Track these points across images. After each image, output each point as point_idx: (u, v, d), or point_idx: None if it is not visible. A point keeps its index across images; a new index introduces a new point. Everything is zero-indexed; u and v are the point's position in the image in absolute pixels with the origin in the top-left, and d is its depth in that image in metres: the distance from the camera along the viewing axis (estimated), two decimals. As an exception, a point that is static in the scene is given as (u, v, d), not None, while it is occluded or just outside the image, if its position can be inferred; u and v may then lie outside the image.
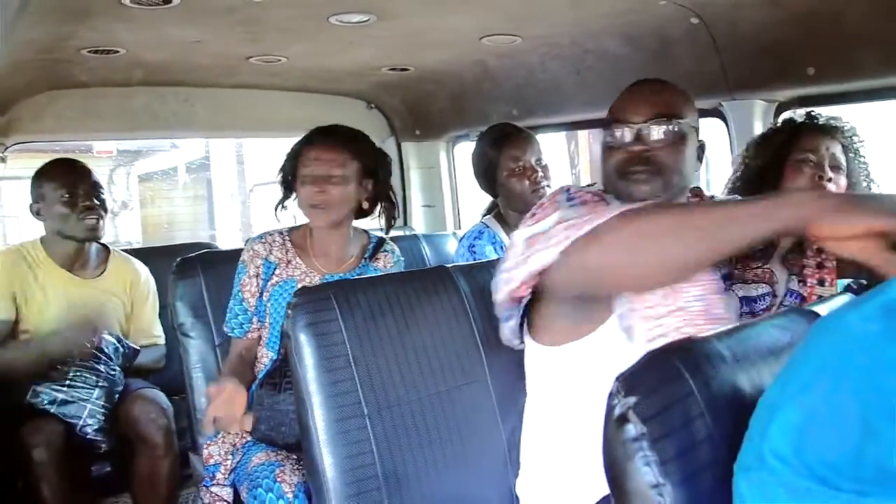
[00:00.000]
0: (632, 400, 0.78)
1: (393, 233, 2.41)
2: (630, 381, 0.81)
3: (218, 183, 11.25)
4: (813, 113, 1.97)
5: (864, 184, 1.91)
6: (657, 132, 1.42)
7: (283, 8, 2.10)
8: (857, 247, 0.97)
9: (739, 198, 1.67)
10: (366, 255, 2.17)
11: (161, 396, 2.48)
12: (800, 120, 1.96)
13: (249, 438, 1.96)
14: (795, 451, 0.66)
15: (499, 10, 2.19)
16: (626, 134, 1.44)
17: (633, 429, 0.77)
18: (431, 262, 2.70)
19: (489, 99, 3.08)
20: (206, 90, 3.28)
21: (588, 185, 1.54)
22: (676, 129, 1.42)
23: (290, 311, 1.52)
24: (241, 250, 2.18)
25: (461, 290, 1.65)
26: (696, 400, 0.80)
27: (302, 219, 2.15)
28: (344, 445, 1.46)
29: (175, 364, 2.49)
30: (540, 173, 2.48)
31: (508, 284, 1.34)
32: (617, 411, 0.78)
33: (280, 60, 2.79)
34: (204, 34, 2.36)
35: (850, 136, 1.90)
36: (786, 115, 2.17)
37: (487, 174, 2.57)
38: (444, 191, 3.66)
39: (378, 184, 2.15)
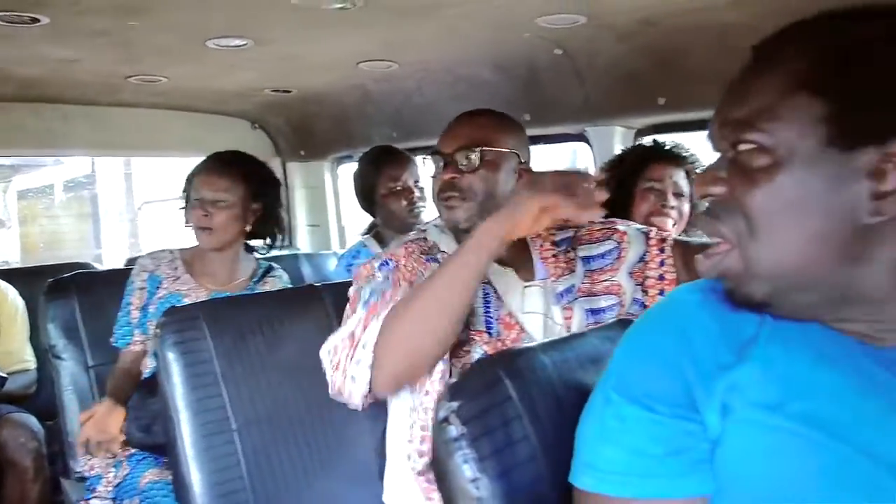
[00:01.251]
0: (455, 404, 0.86)
1: (275, 252, 2.45)
2: (455, 387, 0.89)
3: (105, 200, 10.87)
4: (659, 142, 2.14)
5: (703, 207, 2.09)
6: (463, 160, 1.52)
7: (158, 31, 2.12)
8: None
9: None
10: (254, 279, 2.23)
11: (32, 420, 2.43)
12: (646, 147, 2.13)
13: (135, 450, 1.97)
14: (626, 386, 0.80)
15: (373, 38, 2.27)
16: (438, 163, 1.56)
17: (454, 430, 0.85)
18: (312, 281, 2.74)
19: (370, 121, 3.16)
20: (87, 108, 3.23)
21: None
22: (482, 157, 1.52)
23: (158, 331, 1.55)
24: (119, 270, 2.21)
25: (329, 308, 1.71)
26: (514, 404, 0.89)
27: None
28: (211, 460, 1.50)
29: (47, 387, 2.44)
30: (417, 194, 2.57)
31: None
32: (441, 414, 0.87)
33: (160, 80, 2.79)
34: (79, 53, 2.34)
35: (693, 163, 2.08)
36: (638, 141, 2.35)
37: (367, 194, 2.64)
38: (328, 210, 3.71)
39: (266, 207, 2.23)
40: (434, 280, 1.33)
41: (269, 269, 2.30)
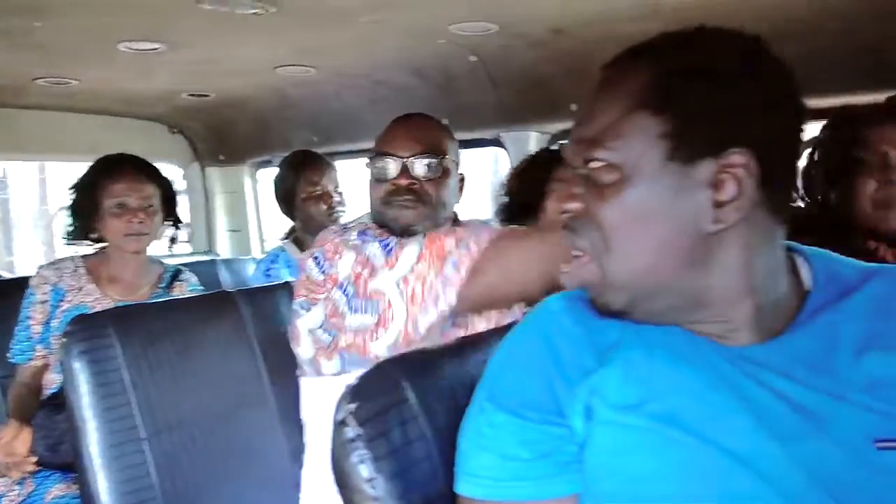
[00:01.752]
0: (352, 406, 0.88)
1: (193, 258, 2.43)
2: (354, 389, 0.91)
3: (17, 205, 10.48)
4: (566, 144, 2.20)
5: None
6: (422, 166, 1.53)
7: (67, 32, 2.07)
8: None
9: None
10: (161, 285, 2.19)
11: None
12: (553, 150, 2.20)
13: (40, 467, 1.92)
14: (497, 395, 0.84)
15: (290, 43, 2.27)
16: (393, 167, 1.54)
17: (350, 431, 0.87)
18: (230, 287, 2.71)
19: (290, 126, 3.16)
20: (-6, 110, 3.12)
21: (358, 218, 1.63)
22: (440, 164, 1.55)
23: (64, 339, 1.52)
24: (26, 278, 2.14)
25: (243, 314, 1.70)
26: (411, 405, 0.91)
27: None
28: (119, 470, 1.47)
29: (-48, 400, 2.35)
30: (336, 198, 2.59)
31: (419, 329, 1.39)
32: (339, 416, 0.88)
33: (71, 83, 2.72)
34: (-20, 53, 2.28)
35: None
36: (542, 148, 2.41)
37: (286, 198, 2.65)
38: (248, 215, 3.68)
39: (171, 209, 2.24)
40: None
41: (177, 274, 2.26)
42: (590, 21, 1.98)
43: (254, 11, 1.87)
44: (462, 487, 0.83)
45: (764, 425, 0.76)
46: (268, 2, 1.83)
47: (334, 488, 1.52)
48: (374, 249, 1.42)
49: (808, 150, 1.67)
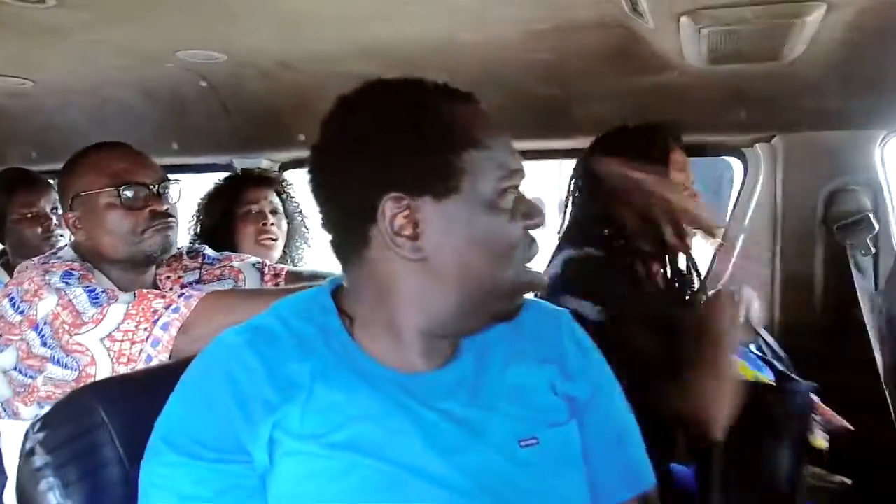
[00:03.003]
0: (40, 435, 0.89)
1: None
2: (44, 419, 0.92)
3: None
4: (247, 169, 2.38)
5: (299, 219, 2.32)
6: (170, 191, 1.57)
7: None
8: None
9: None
10: None
11: None
12: (238, 175, 2.33)
13: None
14: (172, 435, 0.86)
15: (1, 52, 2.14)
16: (145, 194, 1.52)
17: (38, 460, 0.88)
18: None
19: (6, 140, 2.94)
20: None
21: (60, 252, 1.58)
22: (178, 188, 1.60)
23: None
24: None
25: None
26: (106, 429, 0.94)
27: None
28: None
29: None
30: (54, 221, 2.45)
31: None
32: (27, 446, 0.89)
33: None
34: None
35: (284, 184, 2.31)
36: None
37: (-5, 219, 2.47)
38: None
39: None
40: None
41: None
42: (315, 57, 2.07)
43: (-52, 15, 1.75)
44: None
45: (432, 443, 0.88)
46: (-33, 6, 1.72)
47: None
48: (78, 294, 1.37)
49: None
